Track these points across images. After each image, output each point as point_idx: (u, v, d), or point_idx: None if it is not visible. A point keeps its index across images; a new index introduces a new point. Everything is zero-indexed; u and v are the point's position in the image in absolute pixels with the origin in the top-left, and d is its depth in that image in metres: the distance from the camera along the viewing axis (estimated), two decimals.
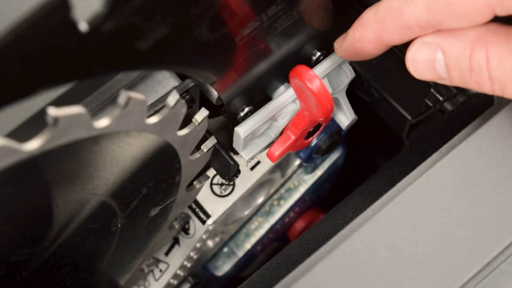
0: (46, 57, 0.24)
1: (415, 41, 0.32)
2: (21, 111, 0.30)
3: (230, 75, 0.34)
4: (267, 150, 0.39)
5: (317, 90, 0.35)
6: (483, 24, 0.30)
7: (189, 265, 0.52)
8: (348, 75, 0.39)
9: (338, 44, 0.36)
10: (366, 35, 0.33)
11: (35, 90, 0.25)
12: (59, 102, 0.30)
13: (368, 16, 0.33)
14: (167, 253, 0.51)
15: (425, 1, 0.30)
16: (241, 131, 0.36)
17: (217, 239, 0.53)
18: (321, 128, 0.40)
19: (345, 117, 0.41)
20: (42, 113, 0.30)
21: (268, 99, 0.37)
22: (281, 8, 0.33)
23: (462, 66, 0.31)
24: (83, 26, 0.24)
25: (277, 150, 0.38)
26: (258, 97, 0.37)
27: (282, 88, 0.37)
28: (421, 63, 0.32)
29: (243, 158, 0.38)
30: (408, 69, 0.33)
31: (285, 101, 0.37)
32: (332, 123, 0.46)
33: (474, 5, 0.29)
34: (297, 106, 0.38)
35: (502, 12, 0.29)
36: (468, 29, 0.31)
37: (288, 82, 0.37)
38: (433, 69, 0.32)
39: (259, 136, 0.38)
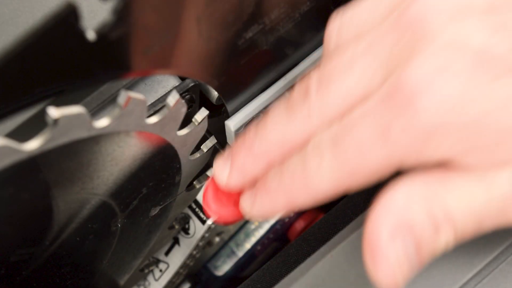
0: (53, 65, 0.24)
1: (375, 247, 0.26)
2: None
3: (230, 75, 0.34)
4: None
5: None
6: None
7: (189, 265, 0.52)
8: None
9: (247, 206, 0.31)
10: (276, 203, 0.29)
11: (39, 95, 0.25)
12: (59, 102, 0.30)
13: (274, 184, 0.29)
14: (167, 253, 0.51)
15: (329, 173, 0.27)
16: (231, 124, 0.35)
17: (217, 239, 0.53)
18: None
19: None
20: (42, 113, 0.30)
21: None
22: (284, 11, 0.33)
23: (429, 231, 0.26)
24: (90, 35, 0.25)
25: None
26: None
27: None
28: (399, 261, 0.26)
29: None
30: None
31: (276, 91, 0.36)
32: None
33: (376, 168, 0.26)
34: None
35: (408, 166, 0.26)
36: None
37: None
38: (409, 261, 0.26)
39: None
